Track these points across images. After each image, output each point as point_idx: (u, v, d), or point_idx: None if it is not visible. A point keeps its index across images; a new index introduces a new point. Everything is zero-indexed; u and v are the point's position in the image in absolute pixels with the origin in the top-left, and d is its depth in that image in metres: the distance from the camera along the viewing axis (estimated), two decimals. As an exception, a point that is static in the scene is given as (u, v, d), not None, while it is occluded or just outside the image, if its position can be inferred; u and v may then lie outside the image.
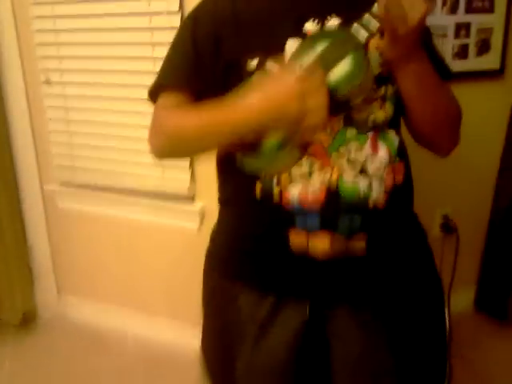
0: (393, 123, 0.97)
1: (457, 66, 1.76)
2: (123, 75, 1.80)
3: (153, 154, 1.02)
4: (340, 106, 0.90)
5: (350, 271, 0.96)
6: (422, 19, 0.83)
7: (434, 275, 1.08)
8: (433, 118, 0.96)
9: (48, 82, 1.92)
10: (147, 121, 1.02)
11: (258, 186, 0.95)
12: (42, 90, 1.96)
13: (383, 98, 0.95)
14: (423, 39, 0.89)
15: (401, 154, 0.98)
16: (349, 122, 0.93)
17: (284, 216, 0.93)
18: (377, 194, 0.93)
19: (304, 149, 0.90)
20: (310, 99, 0.82)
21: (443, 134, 1.00)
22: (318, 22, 0.93)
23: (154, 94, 1.02)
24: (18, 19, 1.93)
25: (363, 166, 0.93)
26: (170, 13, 1.63)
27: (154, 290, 2.05)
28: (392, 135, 0.97)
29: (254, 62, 0.93)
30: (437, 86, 0.95)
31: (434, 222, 1.96)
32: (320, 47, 0.88)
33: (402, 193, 0.98)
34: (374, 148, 0.94)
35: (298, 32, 0.92)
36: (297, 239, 0.94)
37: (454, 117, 1.00)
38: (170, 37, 1.04)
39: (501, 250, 1.97)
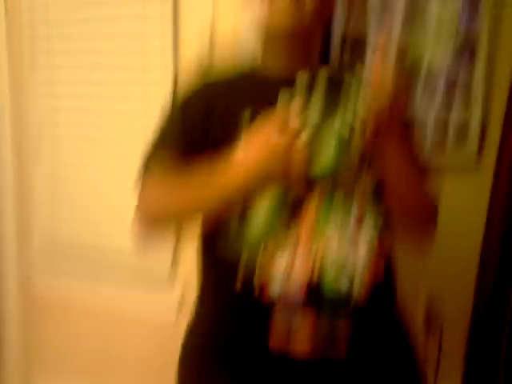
0: (376, 199, 1.00)
1: (435, 157, 1.78)
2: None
3: (139, 224, 1.03)
4: (325, 185, 0.95)
5: (329, 372, 0.94)
6: (402, 113, 0.91)
7: (415, 376, 1.06)
8: (408, 205, 1.00)
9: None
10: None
11: (239, 278, 0.94)
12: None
13: (366, 175, 0.98)
14: (405, 132, 0.95)
15: (386, 224, 1.00)
16: (333, 200, 0.95)
17: (264, 312, 0.92)
18: (359, 286, 0.94)
19: (289, 228, 0.93)
20: (292, 151, 0.87)
21: (418, 223, 1.04)
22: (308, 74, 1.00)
23: (145, 166, 1.04)
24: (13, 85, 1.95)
25: (350, 242, 0.94)
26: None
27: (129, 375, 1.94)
28: (375, 212, 0.99)
29: (247, 113, 0.96)
30: (414, 176, 0.99)
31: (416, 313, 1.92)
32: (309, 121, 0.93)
33: (383, 288, 0.99)
34: (361, 214, 0.96)
35: (289, 84, 0.98)
36: (276, 339, 0.92)
37: (429, 207, 1.04)
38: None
39: (483, 349, 1.92)
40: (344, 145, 0.92)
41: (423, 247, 1.09)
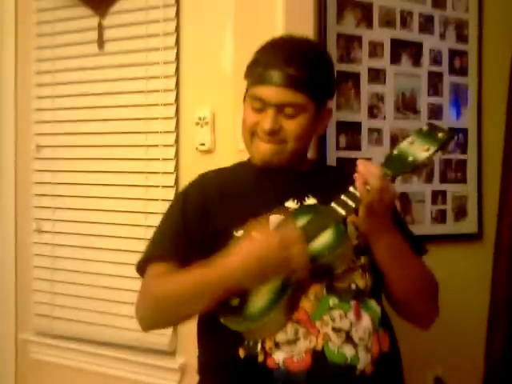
0: (374, 292, 1.02)
1: (436, 230, 1.82)
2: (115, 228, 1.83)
3: (140, 324, 1.05)
4: (323, 273, 0.96)
5: None
6: (392, 197, 0.95)
7: None
8: (408, 286, 1.02)
9: (39, 231, 1.95)
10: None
11: (241, 350, 0.95)
12: (32, 238, 1.98)
13: (363, 268, 1.01)
14: (394, 219, 0.99)
15: (384, 324, 1.01)
16: (331, 290, 0.97)
17: (268, 377, 0.92)
18: (364, 363, 0.94)
19: (289, 315, 0.94)
20: (290, 246, 0.89)
21: (420, 303, 1.05)
22: (297, 202, 1.04)
23: (143, 266, 1.07)
24: (18, 167, 2.02)
25: (348, 334, 0.94)
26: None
27: None
28: (373, 304, 1.00)
29: (239, 232, 1.00)
30: (409, 256, 1.03)
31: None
32: (302, 221, 0.97)
33: (389, 361, 0.99)
34: (358, 316, 0.96)
35: (280, 206, 1.02)
36: None
37: (429, 286, 1.07)
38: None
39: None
40: (340, 230, 0.95)
41: (427, 323, 1.10)
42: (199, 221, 1.04)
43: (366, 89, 1.65)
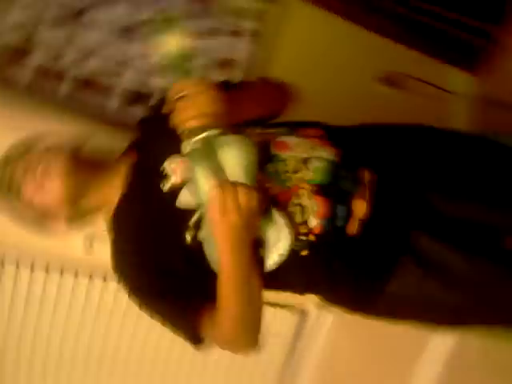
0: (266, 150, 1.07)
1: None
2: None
3: (234, 350, 1.09)
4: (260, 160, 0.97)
5: None
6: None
7: None
8: (262, 105, 1.16)
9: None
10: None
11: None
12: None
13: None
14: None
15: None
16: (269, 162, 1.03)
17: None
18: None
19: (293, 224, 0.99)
20: (236, 202, 0.87)
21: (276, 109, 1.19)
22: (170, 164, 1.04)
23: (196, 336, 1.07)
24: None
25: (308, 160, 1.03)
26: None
27: None
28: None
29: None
30: (249, 98, 1.13)
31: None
32: (199, 168, 0.91)
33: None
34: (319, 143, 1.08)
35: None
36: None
37: (272, 90, 1.20)
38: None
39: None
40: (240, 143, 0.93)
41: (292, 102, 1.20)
42: (155, 267, 1.03)
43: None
